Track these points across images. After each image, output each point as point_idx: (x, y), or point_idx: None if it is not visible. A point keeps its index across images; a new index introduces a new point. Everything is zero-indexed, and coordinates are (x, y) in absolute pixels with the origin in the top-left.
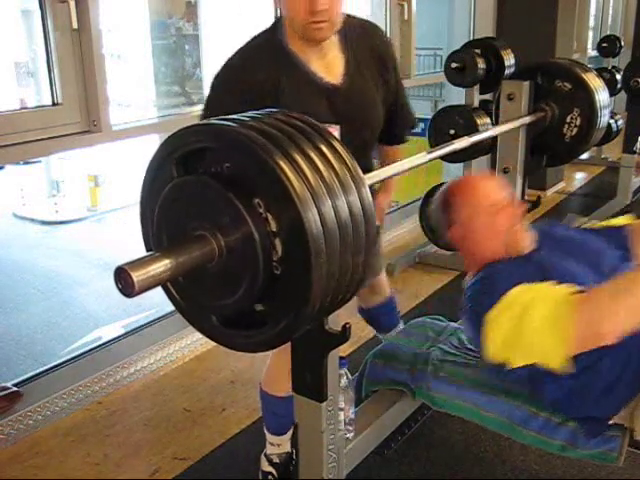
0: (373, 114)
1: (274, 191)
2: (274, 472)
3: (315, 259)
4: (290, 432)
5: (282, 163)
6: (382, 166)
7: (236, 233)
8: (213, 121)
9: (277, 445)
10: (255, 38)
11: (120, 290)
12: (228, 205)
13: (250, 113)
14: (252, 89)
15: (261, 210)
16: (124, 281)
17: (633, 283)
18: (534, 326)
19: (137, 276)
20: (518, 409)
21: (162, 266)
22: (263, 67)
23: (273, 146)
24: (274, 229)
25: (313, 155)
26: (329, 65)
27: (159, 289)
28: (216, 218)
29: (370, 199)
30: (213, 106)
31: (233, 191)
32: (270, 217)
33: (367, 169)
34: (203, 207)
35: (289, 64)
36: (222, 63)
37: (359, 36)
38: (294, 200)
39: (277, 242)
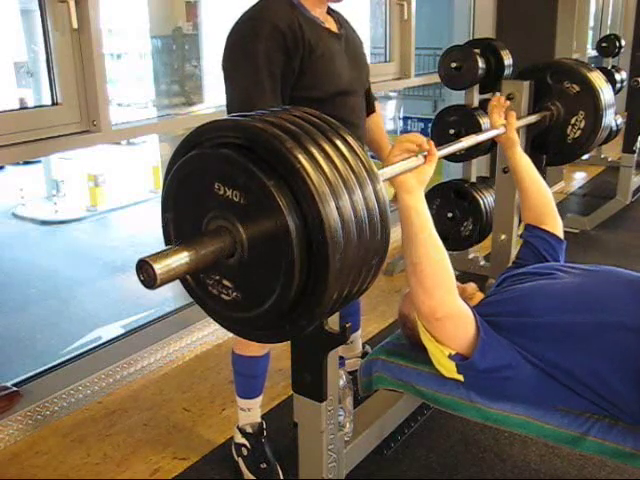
0: (367, 67)
1: (294, 185)
2: (247, 444)
3: (332, 253)
4: (260, 398)
5: (304, 161)
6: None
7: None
8: (236, 117)
9: (247, 410)
10: None
11: (142, 282)
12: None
13: (268, 109)
14: (281, 32)
15: None
16: (146, 273)
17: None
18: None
19: (159, 268)
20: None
21: (183, 258)
22: (283, 13)
23: (292, 141)
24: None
25: (330, 150)
26: (327, 20)
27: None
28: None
29: (385, 194)
30: (252, 62)
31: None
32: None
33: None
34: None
35: (300, 12)
36: (235, 23)
37: (347, 22)
38: (313, 195)
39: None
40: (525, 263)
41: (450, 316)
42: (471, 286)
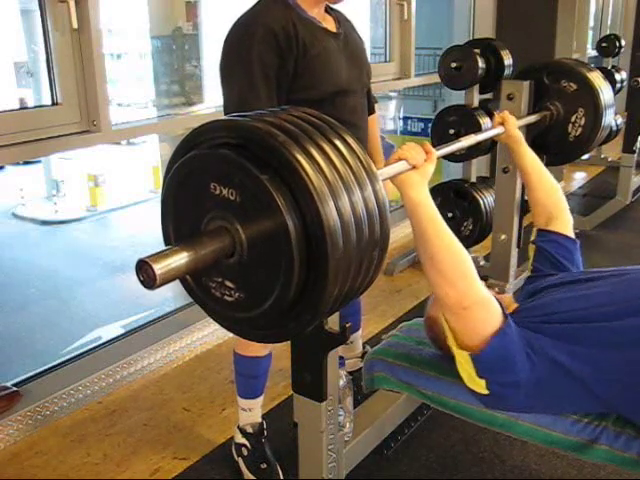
0: (367, 66)
1: (292, 184)
2: (247, 444)
3: (332, 251)
4: (261, 398)
5: (300, 158)
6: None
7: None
8: (234, 117)
9: (248, 410)
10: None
11: (142, 283)
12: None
13: (266, 109)
14: (274, 34)
15: None
16: (146, 274)
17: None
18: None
19: (159, 269)
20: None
21: (182, 258)
22: (278, 15)
23: (291, 141)
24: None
25: (329, 150)
26: (325, 20)
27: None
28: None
29: (384, 194)
30: (246, 66)
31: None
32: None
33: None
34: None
35: (296, 13)
36: (231, 27)
37: (347, 20)
38: (312, 195)
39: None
40: (542, 270)
41: (478, 302)
42: (508, 296)
